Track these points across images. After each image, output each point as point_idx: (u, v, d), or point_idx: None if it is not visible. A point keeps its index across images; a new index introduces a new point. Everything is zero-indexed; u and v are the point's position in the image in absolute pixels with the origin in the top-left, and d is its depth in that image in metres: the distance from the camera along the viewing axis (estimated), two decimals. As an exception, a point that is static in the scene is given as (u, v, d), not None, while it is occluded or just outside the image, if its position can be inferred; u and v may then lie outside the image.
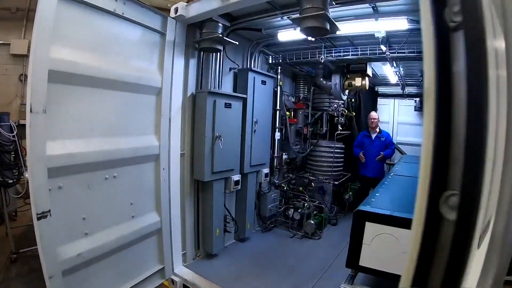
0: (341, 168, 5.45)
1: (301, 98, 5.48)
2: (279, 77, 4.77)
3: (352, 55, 3.91)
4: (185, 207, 3.62)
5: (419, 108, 7.31)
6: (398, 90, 6.74)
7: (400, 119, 7.59)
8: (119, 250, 2.79)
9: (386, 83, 6.42)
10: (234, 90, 4.18)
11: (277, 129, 4.77)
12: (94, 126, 2.55)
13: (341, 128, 5.21)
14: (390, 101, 7.74)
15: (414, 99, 7.02)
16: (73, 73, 2.29)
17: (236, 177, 3.92)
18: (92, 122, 2.52)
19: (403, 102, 7.36)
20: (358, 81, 4.57)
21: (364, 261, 2.33)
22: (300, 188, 5.35)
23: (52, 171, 2.16)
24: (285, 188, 5.14)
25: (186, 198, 3.63)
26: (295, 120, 5.30)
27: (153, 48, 3.11)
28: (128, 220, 2.90)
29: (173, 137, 3.35)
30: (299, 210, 4.73)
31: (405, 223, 2.24)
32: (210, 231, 3.78)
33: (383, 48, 3.43)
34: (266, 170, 4.56)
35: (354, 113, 5.66)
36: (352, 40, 3.91)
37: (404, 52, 3.50)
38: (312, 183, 5.28)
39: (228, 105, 3.70)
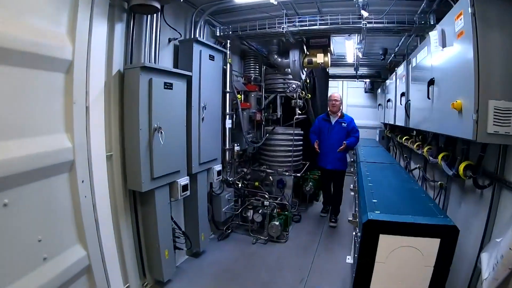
0: (301, 158, 4.97)
1: (252, 79, 4.76)
2: (228, 52, 3.97)
3: (320, 24, 3.32)
4: (121, 229, 2.68)
5: (370, 90, 7.33)
6: (349, 71, 6.55)
7: (349, 102, 7.52)
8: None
9: (339, 64, 6.13)
10: (175, 68, 3.25)
11: (227, 116, 4.00)
12: None
13: (299, 112, 4.67)
14: (339, 83, 7.60)
15: (365, 80, 6.96)
16: None
17: (184, 180, 3.06)
18: None
19: (352, 84, 7.27)
20: (319, 58, 4.05)
21: (377, 283, 1.81)
22: (256, 183, 4.73)
23: None
24: (239, 185, 4.44)
25: (120, 217, 2.68)
26: (248, 104, 4.59)
27: (61, 3, 2.04)
28: (38, 265, 1.87)
29: (93, 133, 2.34)
30: (259, 211, 4.10)
31: (431, 230, 1.78)
32: (157, 254, 2.89)
33: (364, 13, 2.89)
34: (218, 167, 3.78)
35: (309, 95, 5.18)
36: (320, 7, 3.32)
37: (382, 22, 3.04)
38: (270, 177, 4.70)
39: (168, 86, 2.78)
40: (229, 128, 4.04)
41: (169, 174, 2.87)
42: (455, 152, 2.74)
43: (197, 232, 3.55)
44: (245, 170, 4.61)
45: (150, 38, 2.86)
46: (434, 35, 2.52)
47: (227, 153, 4.07)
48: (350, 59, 5.46)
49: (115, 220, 2.63)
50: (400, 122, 4.07)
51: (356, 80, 6.96)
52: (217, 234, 4.17)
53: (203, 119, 3.31)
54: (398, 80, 4.30)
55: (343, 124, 4.50)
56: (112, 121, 2.62)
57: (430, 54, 2.69)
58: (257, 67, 4.91)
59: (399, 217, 1.86)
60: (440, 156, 2.82)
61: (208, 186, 3.83)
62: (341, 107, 4.65)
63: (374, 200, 2.14)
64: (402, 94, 3.85)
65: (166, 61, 3.21)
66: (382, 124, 6.86)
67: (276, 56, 4.49)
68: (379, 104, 6.53)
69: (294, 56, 4.15)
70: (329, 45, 3.98)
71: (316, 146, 4.52)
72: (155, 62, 2.86)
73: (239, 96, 4.22)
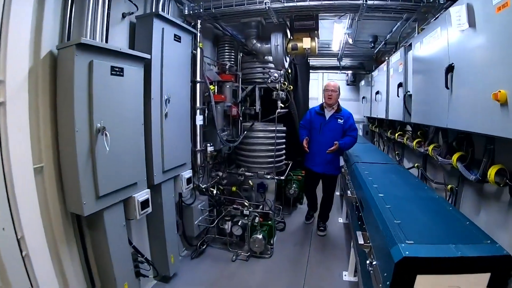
0: (284, 157, 4.44)
1: (227, 67, 4.12)
2: (199, 35, 3.30)
3: (310, 0, 2.76)
4: (63, 263, 2.02)
5: (352, 82, 6.96)
6: (331, 62, 6.10)
7: (330, 95, 7.08)
8: None
9: (321, 53, 5.65)
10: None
11: (198, 111, 3.35)
12: None
13: (281, 105, 4.10)
14: (319, 75, 7.15)
15: (347, 72, 6.56)
16: None
17: (143, 195, 2.39)
18: None
19: (333, 76, 6.84)
20: (306, 42, 3.49)
21: None
22: (233, 188, 4.14)
23: None
24: (214, 192, 3.83)
25: (61, 248, 2.01)
26: (222, 97, 3.95)
27: None
28: None
29: (12, 139, 1.67)
30: (239, 223, 3.52)
31: (480, 264, 1.31)
32: (111, 290, 2.23)
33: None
34: (187, 174, 3.13)
35: (291, 87, 4.63)
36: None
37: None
38: (249, 181, 4.13)
39: (117, 71, 2.09)
40: (200, 125, 3.39)
41: (122, 189, 2.20)
42: (474, 152, 2.32)
43: (165, 254, 2.91)
44: (220, 174, 3.99)
45: (96, 10, 2.15)
46: (456, 12, 2.04)
47: (199, 155, 3.42)
48: (335, 47, 4.99)
49: (53, 252, 1.95)
50: (396, 116, 3.66)
51: (338, 71, 6.54)
52: (190, 250, 3.55)
53: (166, 115, 2.64)
54: (391, 70, 3.88)
55: (339, 120, 3.80)
56: (42, 122, 1.93)
57: (446, 35, 2.22)
58: (233, 54, 4.27)
59: (440, 249, 1.36)
60: (455, 157, 2.39)
61: (176, 196, 3.18)
62: (338, 99, 3.92)
63: (397, 221, 1.64)
64: (399, 85, 3.41)
65: (119, 41, 2.49)
66: (366, 118, 6.53)
67: (255, 41, 3.88)
68: (363, 97, 6.17)
69: (276, 40, 3.57)
70: (316, 28, 3.43)
71: (305, 144, 3.88)
72: (102, 42, 2.16)
73: (211, 87, 3.58)
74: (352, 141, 3.75)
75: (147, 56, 2.36)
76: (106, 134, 1.91)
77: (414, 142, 3.31)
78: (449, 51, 2.17)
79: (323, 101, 3.98)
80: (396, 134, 4.10)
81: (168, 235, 2.90)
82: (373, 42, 4.46)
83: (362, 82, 6.40)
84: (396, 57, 3.65)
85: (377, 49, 4.68)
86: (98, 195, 2.00)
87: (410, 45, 3.22)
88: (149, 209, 2.46)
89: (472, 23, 1.86)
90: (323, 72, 6.99)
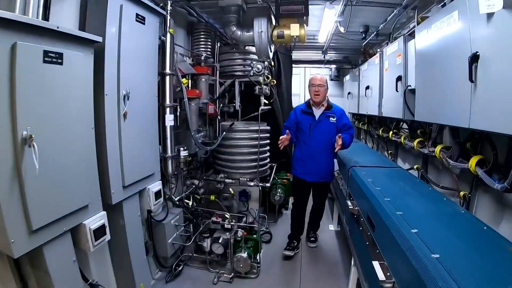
0: (268, 161, 4.00)
1: (202, 58, 3.60)
2: (169, 18, 2.76)
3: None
4: None
5: (336, 77, 6.64)
6: (315, 55, 5.72)
7: (313, 91, 6.74)
8: None
9: (304, 46, 5.26)
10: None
11: (168, 109, 2.82)
12: None
13: (265, 102, 3.65)
14: (301, 69, 6.77)
15: (330, 67, 6.22)
16: None
17: (96, 220, 1.84)
18: None
19: (316, 71, 6.47)
20: (294, 29, 3.04)
21: None
22: (212, 197, 3.66)
23: None
24: (190, 203, 3.32)
25: None
26: (197, 92, 3.42)
27: None
28: None
29: None
30: (220, 240, 3.05)
31: None
32: None
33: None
34: (156, 186, 2.59)
35: (275, 81, 4.18)
36: None
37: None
38: (230, 188, 3.66)
39: (54, 58, 1.54)
40: (170, 126, 2.86)
41: (66, 216, 1.66)
42: (497, 156, 2.01)
43: (132, 284, 2.40)
44: (196, 182, 3.49)
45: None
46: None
47: (170, 162, 2.89)
48: (322, 37, 4.62)
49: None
50: (393, 113, 3.33)
51: (322, 66, 6.19)
52: (165, 272, 3.04)
53: (125, 115, 2.09)
54: (385, 62, 3.55)
55: (331, 118, 3.15)
56: None
57: (466, 20, 1.88)
58: (209, 44, 3.75)
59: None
60: (473, 161, 2.07)
61: (144, 213, 2.65)
62: (326, 94, 3.24)
63: (435, 255, 1.25)
64: (398, 79, 3.08)
65: (66, 22, 1.92)
66: (351, 115, 6.27)
67: (234, 29, 3.39)
68: (349, 93, 5.87)
69: (260, 26, 3.11)
70: (306, 14, 3.01)
71: (284, 138, 3.03)
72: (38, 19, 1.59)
73: (184, 80, 3.05)
74: (351, 139, 3.16)
75: (98, 38, 1.81)
76: (33, 146, 1.37)
77: (415, 142, 3.00)
78: (471, 38, 1.83)
79: (310, 98, 3.27)
80: (390, 133, 3.80)
81: (135, 262, 2.39)
82: (364, 32, 4.12)
83: (347, 77, 6.09)
84: (392, 48, 3.31)
85: (366, 41, 4.35)
86: (31, 228, 1.46)
87: (411, 34, 2.88)
88: (107, 237, 1.93)
89: (508, 3, 1.52)
90: (305, 67, 6.62)
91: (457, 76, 1.97)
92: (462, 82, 1.88)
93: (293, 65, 6.02)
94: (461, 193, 2.40)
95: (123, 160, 2.09)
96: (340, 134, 2.98)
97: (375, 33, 4.00)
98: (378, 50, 3.85)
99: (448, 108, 2.14)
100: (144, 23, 2.29)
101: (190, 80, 3.39)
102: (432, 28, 2.33)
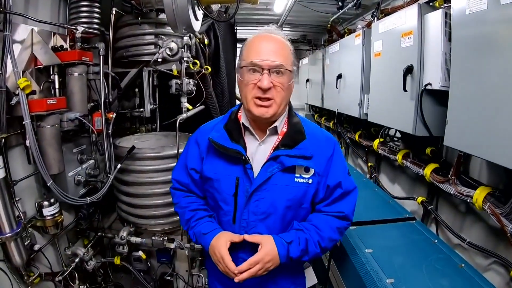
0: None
1: (78, 35, 2.04)
2: None
3: None
4: None
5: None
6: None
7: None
8: None
9: (253, 20, 3.99)
10: None
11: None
12: None
13: (189, 107, 2.25)
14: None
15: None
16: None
17: None
18: None
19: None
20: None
21: None
22: (117, 260, 2.29)
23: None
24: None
25: None
26: (53, 103, 1.82)
27: None
28: None
29: None
30: None
31: None
32: None
33: None
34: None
35: (209, 68, 2.74)
36: None
37: None
38: (140, 251, 2.29)
39: None
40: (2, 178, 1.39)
41: None
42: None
43: None
44: (80, 252, 2.05)
45: None
46: None
47: (13, 247, 1.44)
48: (279, 7, 3.37)
49: None
50: (395, 123, 2.27)
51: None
52: None
53: None
54: (375, 44, 2.39)
55: (301, 171, 1.14)
56: None
57: None
58: (97, 12, 2.19)
59: None
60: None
61: None
62: (283, 100, 1.14)
63: None
64: (408, 71, 1.93)
65: None
66: (308, 106, 5.23)
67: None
68: (307, 80, 4.73)
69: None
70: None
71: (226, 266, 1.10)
72: None
73: (23, 82, 1.54)
74: (337, 233, 1.20)
75: None
76: None
77: (428, 171, 1.96)
78: None
79: (243, 105, 1.19)
80: (376, 142, 2.74)
81: None
82: (341, 1, 2.95)
83: (305, 60, 4.93)
84: (395, 21, 2.12)
85: (342, 11, 3.15)
86: None
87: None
88: None
89: None
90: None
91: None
92: None
93: (238, 45, 4.61)
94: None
95: None
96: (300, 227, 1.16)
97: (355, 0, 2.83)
98: (364, 26, 2.73)
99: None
100: None
101: (57, 77, 1.88)
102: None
